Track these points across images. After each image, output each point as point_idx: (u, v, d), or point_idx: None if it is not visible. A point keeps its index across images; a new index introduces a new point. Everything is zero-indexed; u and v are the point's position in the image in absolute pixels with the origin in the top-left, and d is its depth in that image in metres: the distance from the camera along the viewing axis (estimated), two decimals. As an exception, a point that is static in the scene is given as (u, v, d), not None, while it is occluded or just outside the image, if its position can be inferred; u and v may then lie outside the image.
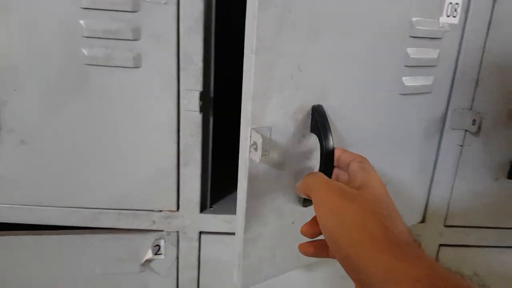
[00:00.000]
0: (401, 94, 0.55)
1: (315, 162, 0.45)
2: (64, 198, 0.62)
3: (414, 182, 0.66)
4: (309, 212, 0.42)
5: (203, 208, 0.65)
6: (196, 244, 0.65)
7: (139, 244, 0.64)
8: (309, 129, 0.44)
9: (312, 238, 0.39)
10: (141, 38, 0.56)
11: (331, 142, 0.40)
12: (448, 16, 0.61)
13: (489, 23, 0.64)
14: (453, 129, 0.67)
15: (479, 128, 0.65)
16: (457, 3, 0.62)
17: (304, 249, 0.40)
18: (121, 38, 0.55)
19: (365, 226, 0.31)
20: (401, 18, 0.51)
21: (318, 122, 0.41)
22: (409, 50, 0.53)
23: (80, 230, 0.64)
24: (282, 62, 0.39)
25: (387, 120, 0.55)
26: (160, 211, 0.63)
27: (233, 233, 0.65)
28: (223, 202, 0.68)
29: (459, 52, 0.64)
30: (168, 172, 0.61)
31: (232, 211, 0.65)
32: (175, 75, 0.58)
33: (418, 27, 0.53)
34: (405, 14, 0.51)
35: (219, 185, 0.68)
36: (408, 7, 0.51)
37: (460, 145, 0.68)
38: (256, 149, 0.38)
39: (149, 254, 0.64)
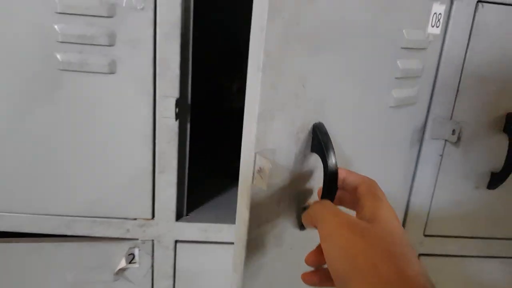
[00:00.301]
0: (391, 107, 0.56)
1: (317, 183, 0.45)
2: (36, 205, 0.63)
3: (398, 192, 0.69)
4: (306, 237, 0.43)
5: (179, 216, 0.66)
6: (172, 253, 0.67)
7: (113, 253, 0.66)
8: (309, 148, 0.43)
9: (317, 267, 0.38)
10: (117, 44, 0.58)
11: (335, 162, 0.39)
12: (432, 26, 0.64)
13: (470, 33, 0.67)
14: (433, 138, 0.70)
15: (459, 138, 0.68)
16: (440, 13, 0.65)
17: (308, 279, 0.38)
18: (96, 43, 0.57)
19: (376, 267, 0.30)
20: (394, 29, 0.52)
21: (321, 141, 0.40)
22: (399, 61, 0.54)
23: (53, 238, 0.65)
24: (287, 79, 0.38)
25: (376, 133, 0.56)
26: (135, 219, 0.65)
27: (210, 242, 0.67)
28: (200, 210, 0.70)
29: (439, 62, 0.67)
30: (143, 179, 0.63)
31: (209, 219, 0.67)
32: (151, 81, 0.60)
33: (408, 38, 0.54)
34: (398, 25, 0.52)
35: (196, 192, 0.70)
36: (401, 18, 0.52)
37: (440, 155, 0.71)
38: (262, 176, 0.36)
39: (123, 263, 0.65)
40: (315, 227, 0.36)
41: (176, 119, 0.61)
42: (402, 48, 0.54)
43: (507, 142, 0.69)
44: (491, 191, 0.72)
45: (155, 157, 0.62)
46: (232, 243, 0.66)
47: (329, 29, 0.41)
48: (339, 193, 0.40)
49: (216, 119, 0.98)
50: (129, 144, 0.61)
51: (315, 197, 0.45)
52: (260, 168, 0.37)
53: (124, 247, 0.66)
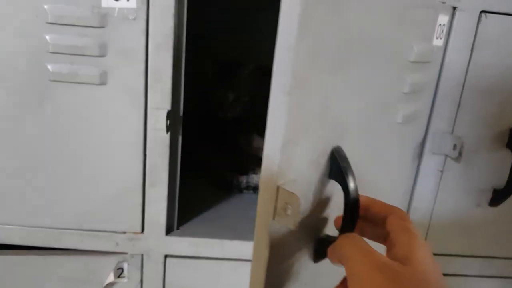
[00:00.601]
0: (398, 123, 0.56)
1: (332, 211, 0.44)
2: (25, 217, 0.65)
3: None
4: (322, 269, 0.42)
5: (169, 230, 0.68)
6: (161, 267, 0.69)
7: (101, 266, 0.68)
8: (327, 175, 0.41)
9: None
10: (108, 54, 0.59)
11: (357, 189, 0.37)
12: (437, 38, 0.65)
13: (473, 44, 0.68)
14: (433, 153, 0.71)
15: (460, 153, 0.69)
16: (444, 24, 0.66)
17: None
18: (87, 54, 0.59)
19: None
20: (405, 43, 0.51)
21: (342, 166, 0.38)
22: (408, 76, 0.54)
23: (41, 251, 0.67)
24: (311, 100, 0.36)
25: (383, 151, 0.56)
26: (124, 232, 0.67)
27: (201, 257, 0.69)
28: (191, 223, 0.71)
29: (439, 74, 0.68)
30: (133, 192, 0.65)
31: (200, 233, 0.68)
32: (142, 93, 0.61)
33: (417, 52, 0.53)
34: (408, 39, 0.52)
35: (187, 204, 0.72)
36: (411, 31, 0.52)
37: (440, 170, 0.72)
38: (290, 214, 0.33)
39: (111, 277, 0.67)
40: (342, 264, 0.34)
41: (168, 131, 0.62)
42: (410, 62, 0.53)
43: (511, 157, 0.70)
44: (493, 208, 0.73)
45: (145, 169, 0.64)
46: (223, 259, 0.68)
47: (350, 45, 0.41)
48: (360, 223, 0.38)
49: (209, 129, 1.00)
50: (120, 157, 0.63)
51: (331, 226, 0.44)
52: (286, 204, 0.34)
53: (113, 261, 0.68)
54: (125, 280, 0.68)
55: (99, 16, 0.58)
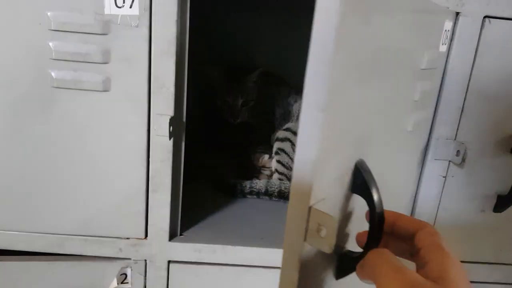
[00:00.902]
0: (409, 131, 0.54)
1: (356, 228, 0.42)
2: (28, 223, 0.63)
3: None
4: (344, 286, 0.40)
5: (172, 236, 0.66)
6: (165, 273, 0.67)
7: (104, 272, 0.66)
8: (350, 189, 0.39)
9: None
10: (111, 61, 0.58)
11: (382, 203, 0.35)
12: (442, 44, 0.62)
13: (476, 49, 0.66)
14: (436, 159, 0.68)
15: (463, 159, 0.67)
16: (448, 30, 0.64)
17: None
18: (90, 61, 0.57)
19: None
20: (418, 51, 0.49)
21: (367, 181, 0.36)
22: (419, 83, 0.52)
23: (45, 256, 0.65)
24: (342, 115, 0.34)
25: (396, 158, 0.54)
26: (127, 238, 0.65)
27: (204, 263, 0.67)
28: (194, 229, 0.69)
29: (442, 80, 0.66)
30: (136, 198, 0.63)
31: (203, 239, 0.66)
32: (145, 99, 0.60)
33: (427, 59, 0.52)
34: (421, 47, 0.50)
35: (191, 209, 0.70)
36: (423, 39, 0.50)
37: (444, 176, 0.69)
38: (325, 236, 0.31)
39: (115, 283, 0.65)
40: (372, 281, 0.33)
41: (170, 137, 0.60)
42: (421, 69, 0.52)
43: (515, 163, 0.68)
44: (497, 214, 0.71)
45: (148, 175, 0.62)
46: (226, 264, 0.66)
47: (376, 55, 0.39)
48: (385, 238, 0.36)
49: (213, 135, 0.98)
50: (123, 163, 0.61)
51: (351, 242, 0.42)
52: (319, 225, 0.31)
53: (116, 266, 0.66)
54: (128, 286, 0.67)
55: (102, 23, 0.56)
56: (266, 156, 0.90)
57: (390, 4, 0.38)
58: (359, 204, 0.37)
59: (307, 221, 0.32)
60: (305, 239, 0.32)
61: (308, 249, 0.33)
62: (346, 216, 0.39)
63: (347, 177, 0.37)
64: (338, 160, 0.35)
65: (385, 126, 0.45)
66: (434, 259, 0.31)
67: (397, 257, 0.35)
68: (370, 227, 0.36)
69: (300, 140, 0.32)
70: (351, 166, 0.37)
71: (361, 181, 0.37)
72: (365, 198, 0.36)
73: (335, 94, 0.31)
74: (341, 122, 0.34)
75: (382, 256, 0.33)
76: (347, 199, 0.38)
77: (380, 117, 0.43)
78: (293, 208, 0.33)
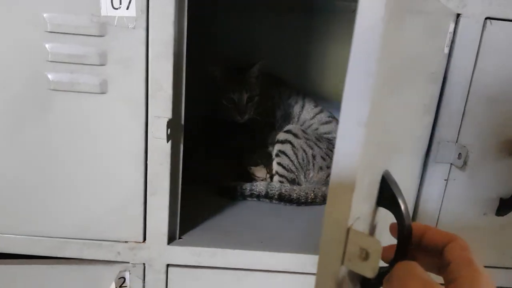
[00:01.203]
0: (417, 136, 0.52)
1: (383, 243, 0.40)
2: (26, 226, 0.61)
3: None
4: None
5: (171, 240, 0.63)
6: (163, 277, 0.64)
7: (103, 276, 0.63)
8: (376, 202, 0.36)
9: None
10: (108, 63, 0.55)
11: (410, 215, 0.34)
12: (446, 46, 0.60)
13: (478, 51, 0.63)
14: (437, 162, 0.65)
15: (465, 162, 0.64)
16: (451, 32, 0.61)
17: None
18: (87, 63, 0.55)
19: None
20: (430, 56, 0.47)
21: (395, 193, 0.34)
22: (428, 87, 0.50)
23: (43, 260, 0.62)
24: (376, 128, 0.31)
25: (406, 163, 0.52)
26: (126, 242, 0.62)
27: (203, 267, 0.64)
28: (193, 232, 0.66)
29: (444, 82, 0.63)
30: (134, 201, 0.60)
31: (202, 242, 0.63)
32: (143, 102, 0.57)
33: (436, 62, 0.50)
34: (432, 50, 0.48)
35: (189, 212, 0.67)
36: (434, 42, 0.47)
37: (445, 179, 0.66)
38: (369, 259, 0.28)
39: (113, 287, 0.62)
40: None
41: (168, 140, 0.58)
42: (431, 73, 0.50)
43: (517, 166, 0.65)
44: (499, 218, 0.67)
45: (146, 178, 0.59)
46: (226, 268, 0.63)
47: (404, 62, 0.37)
48: (413, 252, 0.35)
49: (214, 137, 0.95)
50: (121, 166, 0.59)
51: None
52: (362, 249, 0.28)
53: (115, 270, 0.63)
54: (126, 289, 0.64)
55: (98, 25, 0.54)
56: (264, 170, 0.87)
57: (413, 7, 0.35)
58: (380, 216, 0.34)
59: (346, 243, 0.29)
60: (342, 263, 0.29)
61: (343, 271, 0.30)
62: (370, 231, 0.37)
63: (374, 191, 0.34)
64: (371, 174, 0.32)
65: (404, 133, 0.42)
66: (464, 275, 0.29)
67: (425, 270, 0.32)
68: (398, 240, 0.33)
69: (337, 156, 0.29)
70: (378, 178, 0.34)
71: (388, 194, 0.34)
72: (392, 211, 0.34)
73: (375, 106, 0.28)
74: (376, 134, 0.31)
75: (410, 269, 0.30)
76: (373, 213, 0.35)
77: (402, 124, 0.41)
78: (329, 228, 0.30)
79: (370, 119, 0.28)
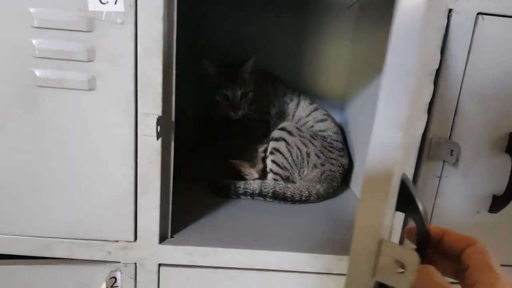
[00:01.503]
0: (419, 134, 0.51)
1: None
2: (14, 226, 0.58)
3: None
4: None
5: (163, 239, 0.60)
6: (155, 277, 0.61)
7: (93, 276, 0.60)
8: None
9: None
10: (96, 59, 0.52)
11: (428, 219, 0.34)
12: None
13: (470, 47, 0.61)
14: (430, 159, 0.63)
15: (457, 159, 0.61)
16: (444, 27, 0.59)
17: None
18: (75, 59, 0.52)
19: None
20: (430, 52, 0.46)
21: (413, 196, 0.32)
22: (430, 85, 0.49)
23: (31, 260, 0.59)
24: (407, 131, 0.29)
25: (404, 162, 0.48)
26: (116, 241, 0.59)
27: (196, 266, 0.61)
28: (185, 231, 0.63)
29: (436, 78, 0.61)
30: (124, 200, 0.57)
31: (195, 242, 0.61)
32: (132, 98, 0.54)
33: (435, 59, 0.49)
34: (432, 48, 0.47)
35: (181, 210, 0.64)
36: (434, 39, 0.47)
37: (438, 177, 0.64)
38: (403, 272, 0.27)
39: (104, 287, 0.59)
40: None
41: (158, 137, 0.55)
42: (432, 70, 0.49)
43: (510, 163, 0.62)
44: (493, 215, 0.65)
45: (137, 177, 0.57)
46: (218, 267, 0.61)
47: (421, 59, 0.33)
48: (430, 256, 0.33)
49: (207, 136, 0.92)
50: (110, 164, 0.56)
51: None
52: (396, 261, 0.26)
53: (106, 270, 0.60)
54: (117, 289, 0.61)
55: (86, 20, 0.51)
56: (246, 164, 0.84)
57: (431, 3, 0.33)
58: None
59: (378, 255, 0.27)
60: (373, 275, 0.27)
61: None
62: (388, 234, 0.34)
63: (396, 196, 0.31)
64: (396, 181, 0.29)
65: (412, 134, 0.41)
66: (483, 280, 0.28)
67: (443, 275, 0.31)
68: (417, 245, 0.32)
69: (370, 162, 0.26)
70: (398, 182, 0.32)
71: (406, 197, 0.32)
72: (410, 214, 0.32)
73: (411, 108, 0.26)
74: (407, 137, 0.28)
75: (427, 274, 0.29)
76: (392, 219, 0.33)
77: (412, 125, 0.38)
78: (360, 239, 0.27)
79: (407, 122, 0.26)
